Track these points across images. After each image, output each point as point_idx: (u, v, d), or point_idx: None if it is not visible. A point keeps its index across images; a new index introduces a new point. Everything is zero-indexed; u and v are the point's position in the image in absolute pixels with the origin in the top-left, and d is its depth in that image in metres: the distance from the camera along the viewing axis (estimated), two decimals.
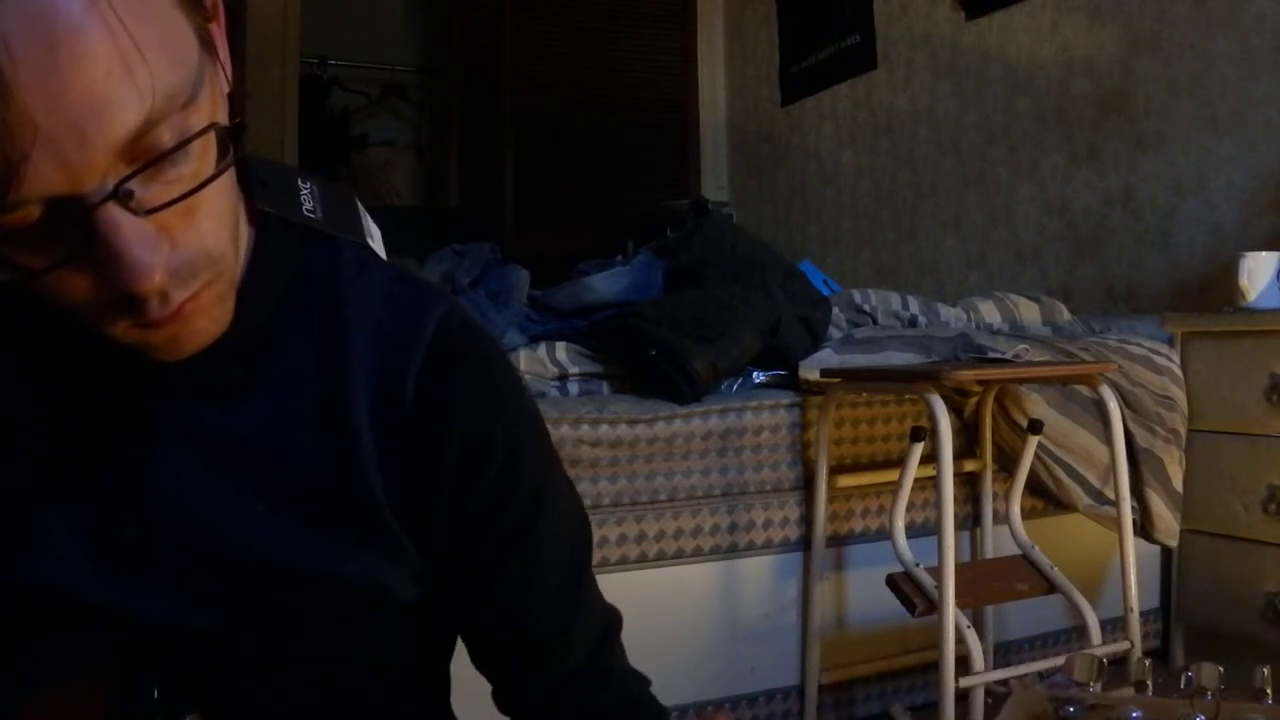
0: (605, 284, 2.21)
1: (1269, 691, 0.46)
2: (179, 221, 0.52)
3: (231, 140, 0.53)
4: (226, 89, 0.56)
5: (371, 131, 4.90)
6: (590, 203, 4.40)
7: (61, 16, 0.44)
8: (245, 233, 0.62)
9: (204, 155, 0.52)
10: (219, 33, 0.56)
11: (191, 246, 0.53)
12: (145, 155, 0.49)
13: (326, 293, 0.65)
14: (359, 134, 4.85)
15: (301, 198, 0.67)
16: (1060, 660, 1.96)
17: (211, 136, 0.51)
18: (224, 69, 0.55)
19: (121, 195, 0.48)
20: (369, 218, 0.73)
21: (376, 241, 0.72)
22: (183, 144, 0.50)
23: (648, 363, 1.85)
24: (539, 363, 1.90)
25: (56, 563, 0.59)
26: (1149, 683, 0.48)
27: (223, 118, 0.53)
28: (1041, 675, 1.94)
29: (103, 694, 0.59)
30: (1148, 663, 0.50)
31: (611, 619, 0.76)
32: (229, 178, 0.55)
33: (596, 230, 3.49)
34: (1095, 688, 0.48)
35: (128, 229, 0.49)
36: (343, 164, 4.75)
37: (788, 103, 4.32)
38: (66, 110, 0.45)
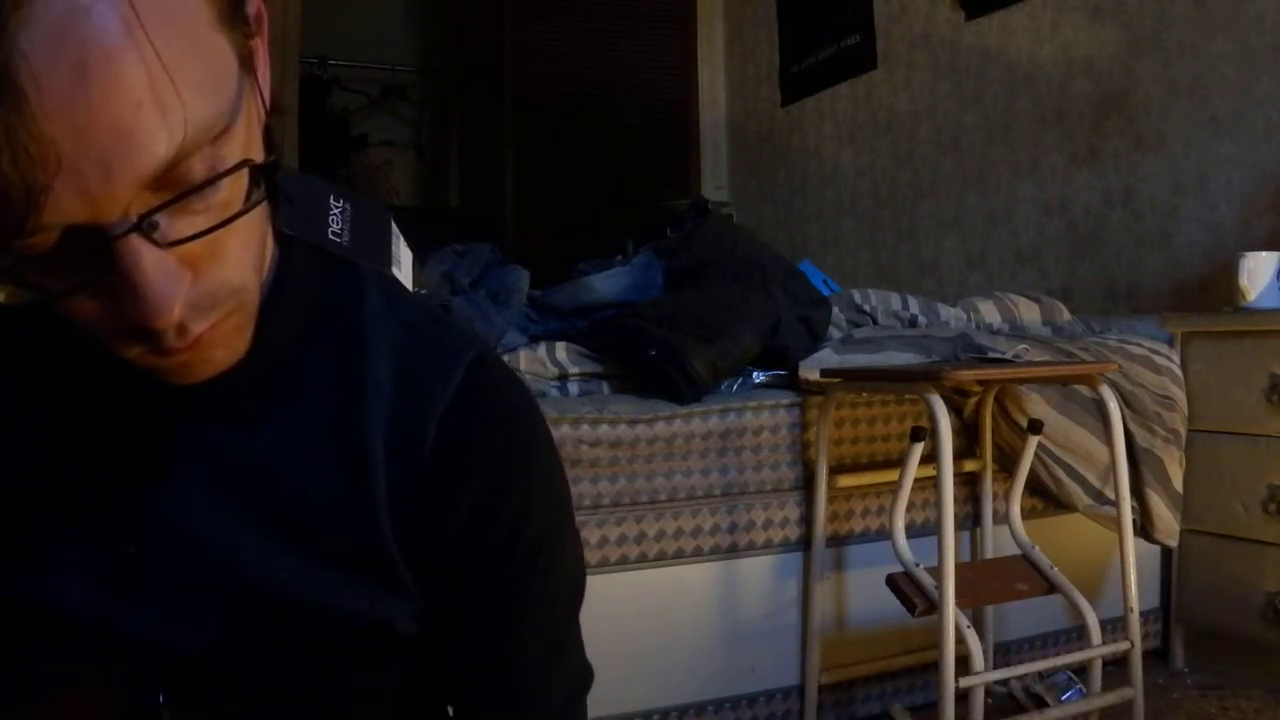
0: (605, 284, 2.21)
1: None
2: (203, 253, 0.50)
3: (265, 175, 0.51)
4: (263, 115, 0.54)
5: (371, 131, 4.90)
6: (590, 203, 4.40)
7: (95, 43, 0.42)
8: (270, 254, 0.61)
9: (235, 185, 0.50)
10: (261, 46, 0.55)
11: (214, 278, 0.51)
12: (174, 186, 0.47)
13: (348, 324, 0.63)
14: (359, 134, 4.85)
15: (330, 218, 0.65)
16: (1060, 660, 1.96)
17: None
18: (261, 90, 0.53)
19: (145, 228, 0.46)
20: (402, 241, 0.71)
21: (406, 266, 0.71)
22: (214, 180, 0.48)
23: (648, 363, 1.85)
24: (539, 363, 1.90)
25: (56, 575, 0.58)
26: None
27: (257, 149, 0.51)
28: (1041, 675, 1.94)
29: (102, 703, 0.58)
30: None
31: (585, 675, 0.75)
32: (259, 207, 0.53)
33: (596, 230, 3.49)
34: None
35: (149, 262, 0.47)
36: (343, 164, 4.76)
37: (788, 103, 4.32)
38: (92, 142, 0.43)
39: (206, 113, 0.47)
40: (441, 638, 0.67)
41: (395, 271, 0.68)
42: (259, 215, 0.54)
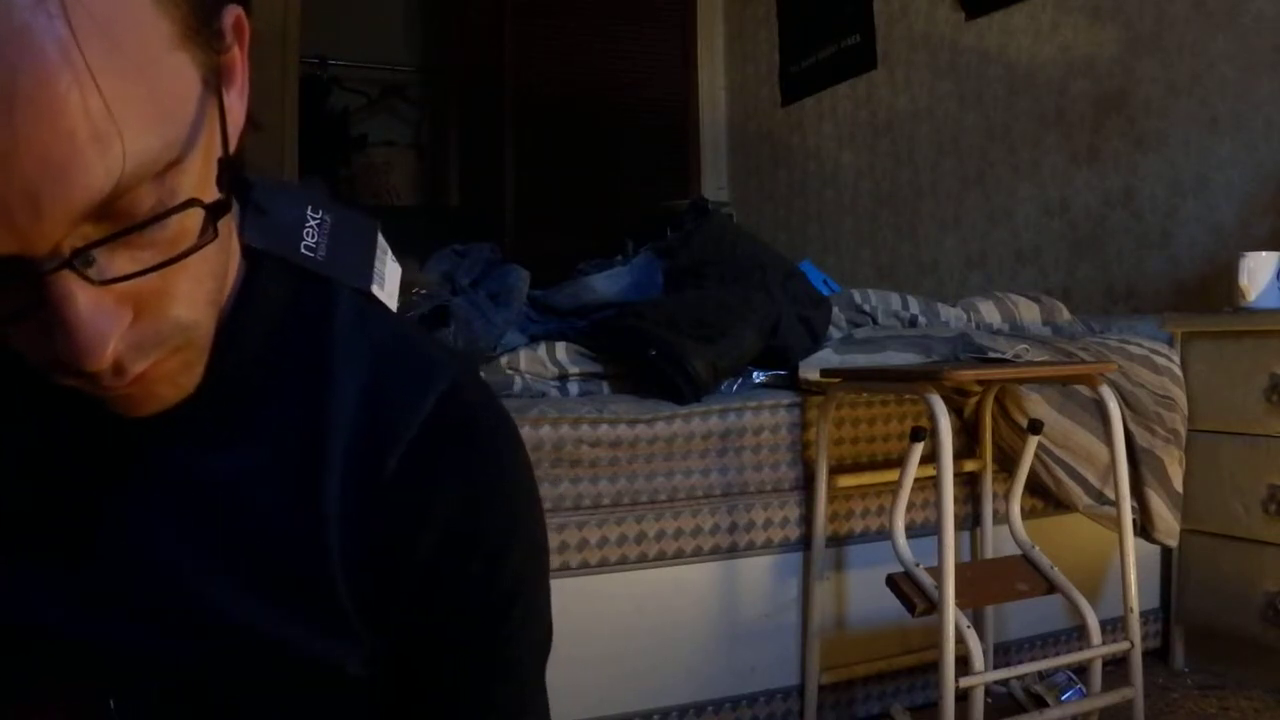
0: (605, 284, 2.21)
1: None
2: (149, 289, 0.47)
3: (214, 217, 0.47)
4: (233, 137, 0.50)
5: (371, 131, 4.90)
6: (590, 203, 4.40)
7: (27, 67, 0.39)
8: (234, 269, 0.58)
9: (187, 219, 0.46)
10: (240, 58, 0.51)
11: (161, 316, 0.48)
12: (118, 219, 0.44)
13: (316, 344, 0.59)
14: (359, 134, 4.85)
15: (305, 231, 0.61)
16: (1060, 660, 1.97)
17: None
18: (232, 108, 0.50)
19: (79, 264, 0.43)
20: (389, 256, 0.67)
21: (392, 281, 0.67)
22: (157, 218, 0.45)
23: (648, 363, 1.85)
24: (539, 363, 1.90)
25: (13, 589, 0.57)
26: None
27: (210, 187, 0.48)
28: (1042, 675, 1.94)
29: (62, 713, 0.57)
30: None
31: None
32: (220, 235, 0.50)
33: (596, 230, 3.49)
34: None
35: (82, 300, 0.44)
36: (343, 164, 4.76)
37: (788, 103, 4.32)
38: (17, 173, 0.40)
39: (151, 144, 0.44)
40: (410, 686, 0.63)
41: (377, 287, 0.65)
42: (216, 247, 0.50)
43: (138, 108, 0.43)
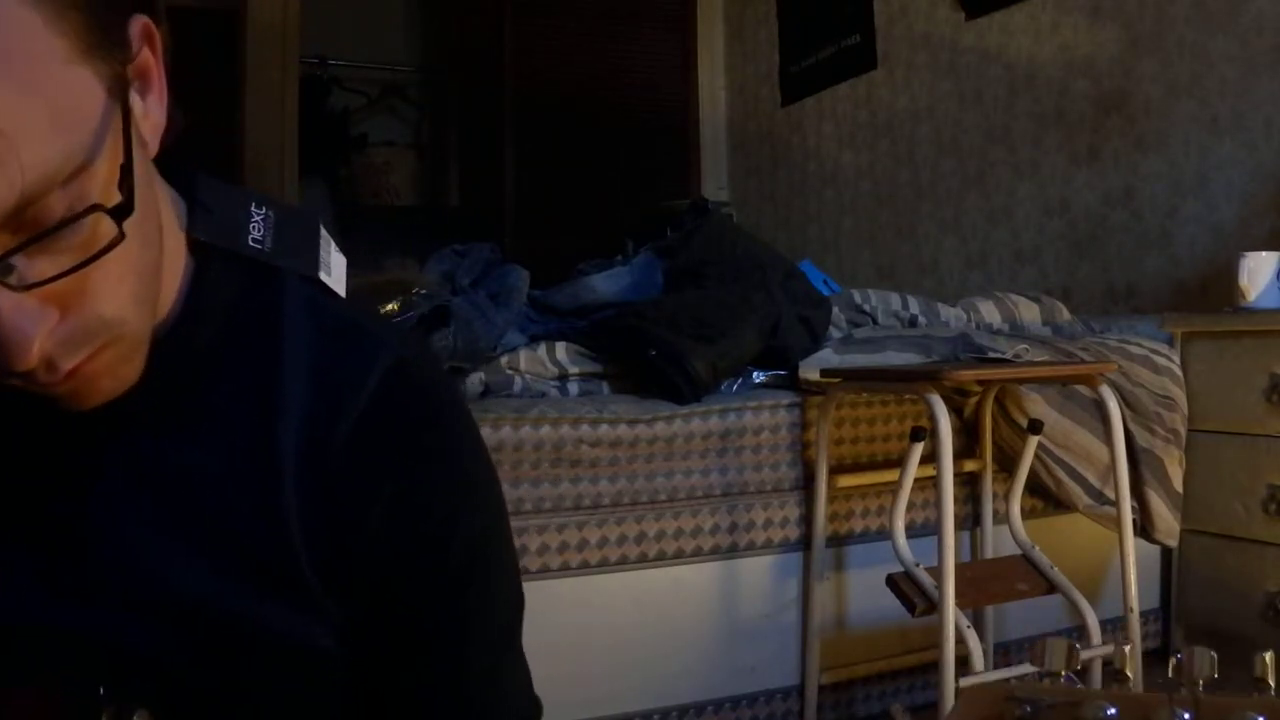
0: (605, 284, 2.21)
1: (1271, 681, 0.42)
2: (71, 289, 0.49)
3: (118, 219, 0.49)
4: (153, 140, 0.53)
5: (371, 131, 4.90)
6: (590, 202, 4.39)
7: None
8: (180, 265, 0.61)
9: (99, 222, 0.48)
10: (155, 64, 0.54)
11: (84, 313, 0.50)
12: (30, 226, 0.46)
13: (267, 330, 0.62)
14: (359, 134, 4.85)
15: (251, 225, 0.63)
16: None
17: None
18: (139, 120, 0.52)
19: None
20: (333, 247, 0.69)
21: (338, 272, 0.69)
22: (67, 223, 0.47)
23: (648, 363, 1.85)
24: (539, 363, 1.90)
25: (1, 586, 0.58)
26: (1130, 674, 0.46)
27: (113, 192, 0.50)
28: (1041, 675, 1.94)
29: (54, 700, 0.58)
30: (1127, 649, 0.48)
31: (534, 709, 0.71)
32: (143, 230, 0.52)
33: (596, 230, 3.49)
34: (1064, 677, 0.45)
35: (4, 305, 0.46)
36: (342, 164, 4.76)
37: (788, 103, 4.32)
38: None
39: (50, 155, 0.46)
40: (383, 657, 0.65)
41: (324, 275, 0.67)
42: (140, 245, 0.52)
43: (32, 121, 0.45)
